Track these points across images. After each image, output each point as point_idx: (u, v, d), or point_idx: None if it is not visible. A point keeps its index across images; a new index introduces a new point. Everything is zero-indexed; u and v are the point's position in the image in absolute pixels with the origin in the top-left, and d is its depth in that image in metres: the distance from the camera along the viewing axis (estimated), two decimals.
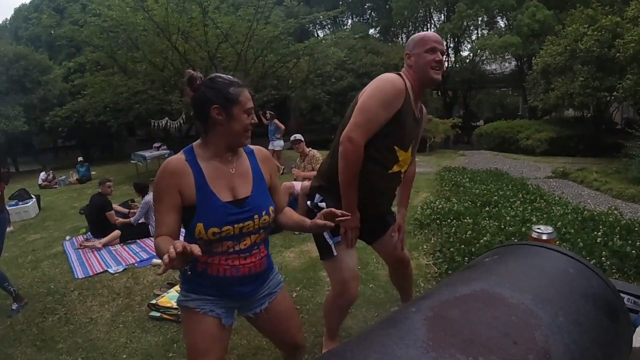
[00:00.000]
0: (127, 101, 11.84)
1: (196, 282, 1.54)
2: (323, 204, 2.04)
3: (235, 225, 1.47)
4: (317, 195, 2.12)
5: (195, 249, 1.17)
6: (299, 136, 5.57)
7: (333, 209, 1.53)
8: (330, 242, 2.04)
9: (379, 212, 2.24)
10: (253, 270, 1.56)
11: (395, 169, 2.04)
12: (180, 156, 1.49)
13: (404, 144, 2.01)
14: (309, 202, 2.18)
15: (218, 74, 1.50)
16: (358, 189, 1.95)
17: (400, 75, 1.95)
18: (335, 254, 2.05)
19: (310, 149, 5.52)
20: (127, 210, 5.97)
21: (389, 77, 1.92)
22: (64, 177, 11.60)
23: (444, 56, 1.94)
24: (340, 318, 2.31)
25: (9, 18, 25.37)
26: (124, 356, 2.65)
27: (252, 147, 1.64)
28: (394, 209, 2.40)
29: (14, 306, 3.53)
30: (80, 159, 12.25)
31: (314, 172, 5.19)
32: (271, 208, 1.57)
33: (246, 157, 1.60)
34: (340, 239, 2.04)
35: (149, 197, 5.25)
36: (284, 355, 1.93)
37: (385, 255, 2.42)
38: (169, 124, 11.52)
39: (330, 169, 2.05)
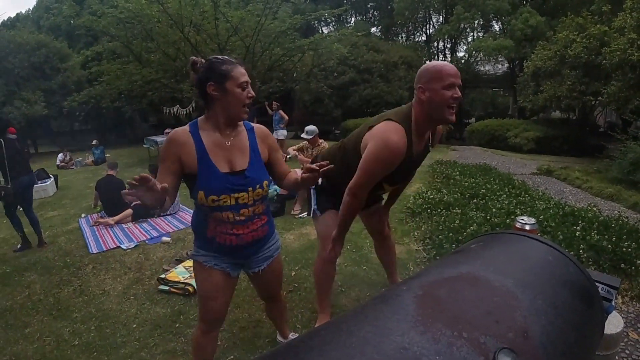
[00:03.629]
0: (140, 89, 11.79)
1: (205, 241, 1.64)
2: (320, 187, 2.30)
3: (232, 195, 1.53)
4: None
5: (164, 187, 1.30)
6: (314, 130, 5.44)
7: (311, 166, 1.54)
8: (313, 207, 2.31)
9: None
10: (255, 237, 1.66)
11: (379, 193, 2.22)
12: (185, 127, 1.55)
13: (393, 181, 2.07)
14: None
15: (215, 56, 1.53)
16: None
17: (400, 124, 1.80)
18: (311, 215, 2.35)
19: (322, 140, 5.46)
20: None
21: (394, 141, 1.78)
22: (80, 158, 11.59)
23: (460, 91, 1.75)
24: (328, 284, 2.37)
25: (31, 8, 25.13)
26: (134, 326, 2.68)
27: (252, 124, 1.68)
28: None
29: (19, 246, 4.39)
30: (94, 142, 12.20)
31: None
32: (265, 182, 1.62)
33: (246, 134, 1.63)
34: (320, 212, 2.28)
35: None
36: (265, 305, 2.15)
37: (369, 226, 2.62)
38: (179, 111, 11.48)
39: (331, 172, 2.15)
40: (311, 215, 2.36)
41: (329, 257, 2.23)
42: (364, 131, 1.95)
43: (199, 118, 1.59)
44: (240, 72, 1.50)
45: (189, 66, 1.56)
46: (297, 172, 1.73)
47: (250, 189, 1.56)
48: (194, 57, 1.55)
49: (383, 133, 1.81)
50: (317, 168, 1.51)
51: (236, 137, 1.58)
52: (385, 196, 2.50)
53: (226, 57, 1.54)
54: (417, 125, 1.84)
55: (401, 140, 1.79)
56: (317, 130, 5.33)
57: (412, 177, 2.35)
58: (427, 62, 1.84)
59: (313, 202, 2.31)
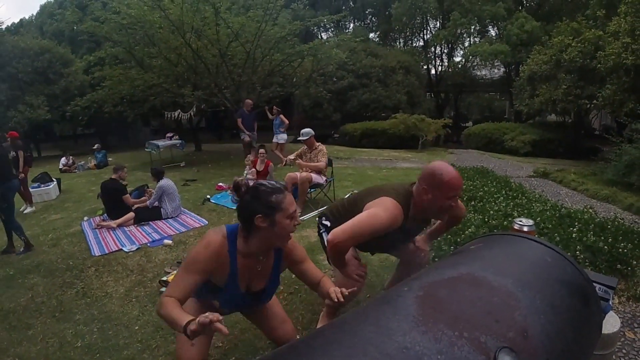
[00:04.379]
0: (142, 93, 11.77)
1: None
2: (327, 222, 2.27)
3: (243, 308, 1.68)
4: (324, 218, 2.31)
5: (224, 330, 1.14)
6: (310, 132, 5.46)
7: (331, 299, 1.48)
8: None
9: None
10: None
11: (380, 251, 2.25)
12: (224, 242, 1.49)
13: (385, 250, 2.18)
14: (317, 219, 2.39)
15: (261, 182, 1.49)
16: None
17: (402, 206, 1.86)
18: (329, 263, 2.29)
19: (319, 143, 5.48)
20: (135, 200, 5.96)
21: (395, 216, 1.83)
22: (83, 162, 11.57)
23: None
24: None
25: (35, 14, 25.19)
26: (136, 327, 2.67)
27: None
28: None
29: (22, 249, 4.35)
30: (97, 146, 12.18)
31: (317, 164, 5.19)
32: (274, 291, 1.73)
33: (273, 254, 1.63)
34: None
35: (163, 182, 5.27)
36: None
37: (403, 260, 2.53)
38: (180, 116, 11.50)
39: (342, 213, 2.16)
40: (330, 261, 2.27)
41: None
42: (366, 197, 1.98)
43: (238, 233, 1.53)
44: (290, 202, 1.46)
45: (231, 188, 1.57)
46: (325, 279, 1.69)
47: (262, 304, 1.68)
48: (237, 180, 1.53)
49: (389, 205, 1.86)
50: (339, 300, 1.45)
51: (266, 260, 1.60)
52: None
53: (273, 183, 1.49)
54: (415, 212, 1.92)
55: (399, 217, 1.85)
56: (313, 132, 5.37)
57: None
58: (437, 166, 1.82)
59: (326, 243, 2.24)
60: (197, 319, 1.14)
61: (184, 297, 1.40)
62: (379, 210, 1.84)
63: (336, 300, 1.42)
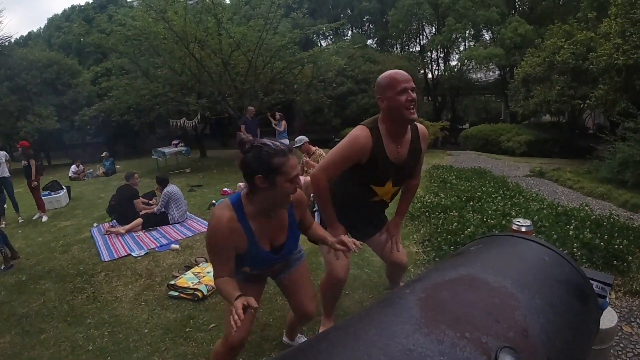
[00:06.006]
0: (148, 102, 11.84)
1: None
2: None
3: (272, 265, 1.66)
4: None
5: (252, 302, 1.29)
6: (303, 138, 5.51)
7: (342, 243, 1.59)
8: None
9: (372, 221, 2.30)
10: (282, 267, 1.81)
11: (377, 199, 2.09)
12: (231, 214, 1.48)
13: (380, 181, 2.01)
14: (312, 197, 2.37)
15: (265, 142, 1.42)
16: (347, 213, 2.08)
17: (370, 128, 1.88)
18: None
19: (316, 147, 5.53)
20: (147, 200, 6.03)
21: (357, 136, 1.88)
22: (91, 170, 11.61)
23: (415, 92, 1.80)
24: (334, 298, 2.31)
25: (42, 27, 25.34)
26: (146, 330, 2.67)
27: None
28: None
29: (2, 267, 4.01)
30: (105, 154, 12.23)
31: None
32: (298, 244, 1.74)
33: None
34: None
35: (169, 188, 5.28)
36: (294, 319, 2.05)
37: (380, 255, 2.41)
38: (185, 124, 11.55)
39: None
40: None
41: (335, 278, 2.14)
42: None
43: (242, 196, 1.53)
44: (292, 166, 1.42)
45: (236, 143, 1.45)
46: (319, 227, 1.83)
47: (287, 257, 1.70)
48: (242, 135, 1.44)
49: (353, 132, 1.94)
50: (348, 247, 1.55)
51: (277, 215, 1.60)
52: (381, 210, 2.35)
53: (278, 144, 1.43)
54: (387, 129, 1.90)
55: (363, 134, 1.88)
56: (306, 139, 5.49)
57: (416, 172, 2.19)
58: (380, 75, 1.87)
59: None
60: (237, 302, 1.28)
61: (230, 273, 1.52)
62: (344, 140, 1.92)
63: (352, 248, 1.54)
